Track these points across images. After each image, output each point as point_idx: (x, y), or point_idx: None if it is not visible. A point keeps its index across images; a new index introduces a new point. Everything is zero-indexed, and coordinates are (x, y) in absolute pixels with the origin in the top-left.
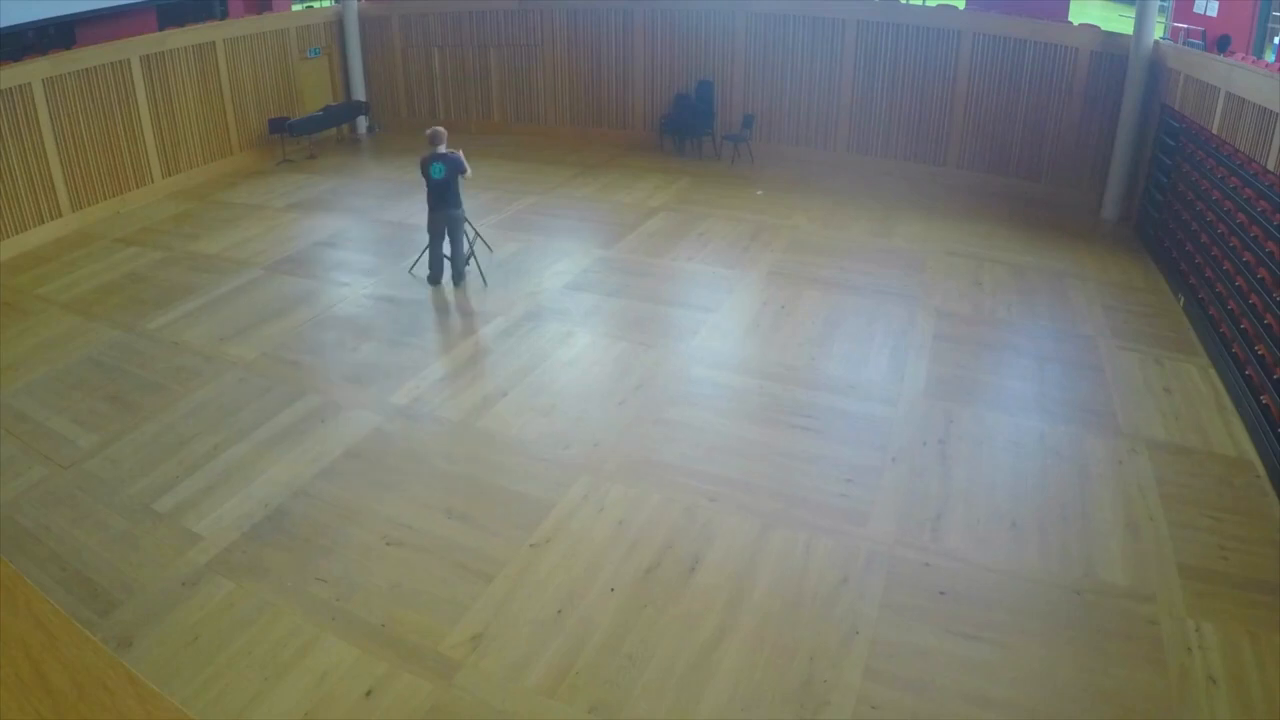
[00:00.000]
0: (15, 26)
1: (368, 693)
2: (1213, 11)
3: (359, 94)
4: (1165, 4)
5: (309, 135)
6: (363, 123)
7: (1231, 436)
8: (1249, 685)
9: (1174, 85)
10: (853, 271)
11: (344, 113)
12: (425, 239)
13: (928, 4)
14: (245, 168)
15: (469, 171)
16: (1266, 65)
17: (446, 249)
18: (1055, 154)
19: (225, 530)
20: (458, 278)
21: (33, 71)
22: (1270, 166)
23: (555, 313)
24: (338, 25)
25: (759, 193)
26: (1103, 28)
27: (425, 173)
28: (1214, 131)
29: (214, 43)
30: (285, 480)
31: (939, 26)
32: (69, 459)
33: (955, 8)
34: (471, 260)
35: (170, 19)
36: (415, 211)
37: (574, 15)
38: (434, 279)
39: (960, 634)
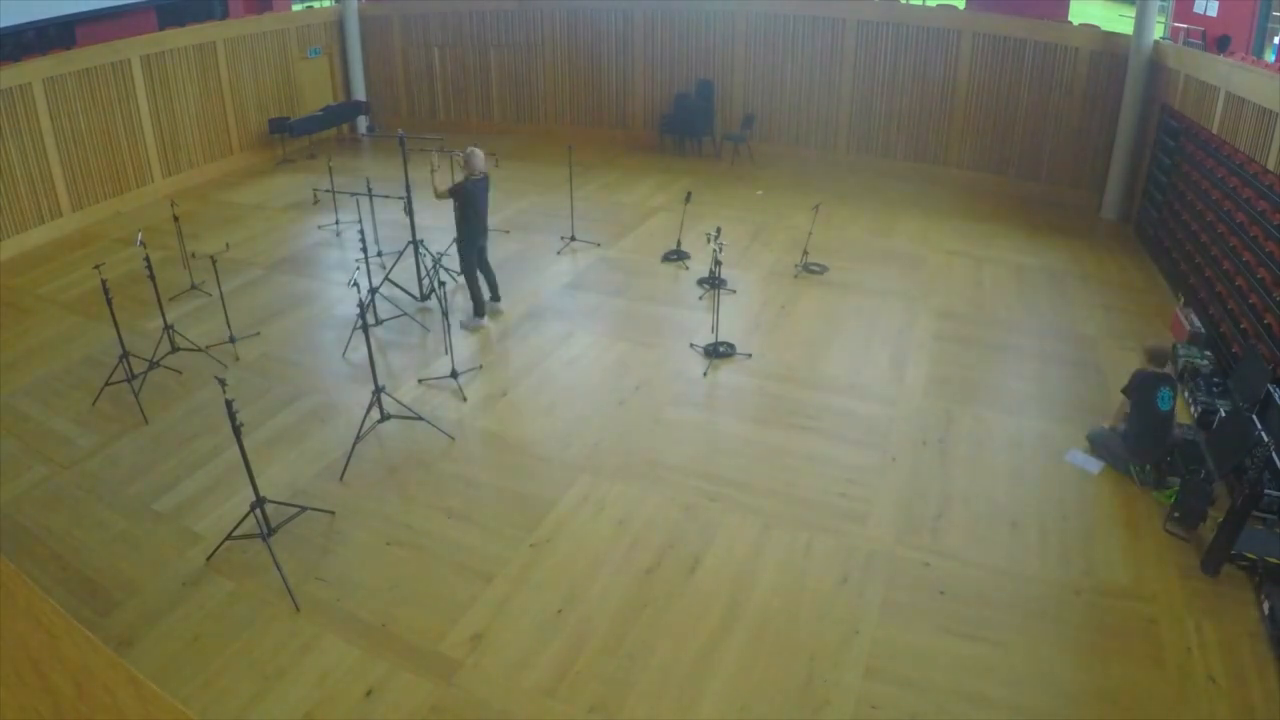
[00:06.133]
0: (15, 26)
1: (368, 693)
2: (1213, 11)
3: (359, 94)
4: (1165, 4)
5: (309, 135)
6: (363, 123)
7: None
8: (1249, 685)
9: (1174, 85)
10: (853, 271)
11: (344, 113)
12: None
13: (928, 4)
14: (245, 168)
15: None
16: (1266, 65)
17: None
18: (1055, 154)
19: (225, 530)
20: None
21: (33, 71)
22: (1270, 166)
23: (555, 313)
24: (338, 25)
25: (759, 193)
26: (1103, 28)
27: (471, 198)
28: (1214, 131)
29: (214, 43)
30: (285, 480)
31: (939, 26)
32: (69, 459)
33: (955, 8)
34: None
35: (170, 19)
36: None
37: (574, 15)
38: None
39: (960, 633)
